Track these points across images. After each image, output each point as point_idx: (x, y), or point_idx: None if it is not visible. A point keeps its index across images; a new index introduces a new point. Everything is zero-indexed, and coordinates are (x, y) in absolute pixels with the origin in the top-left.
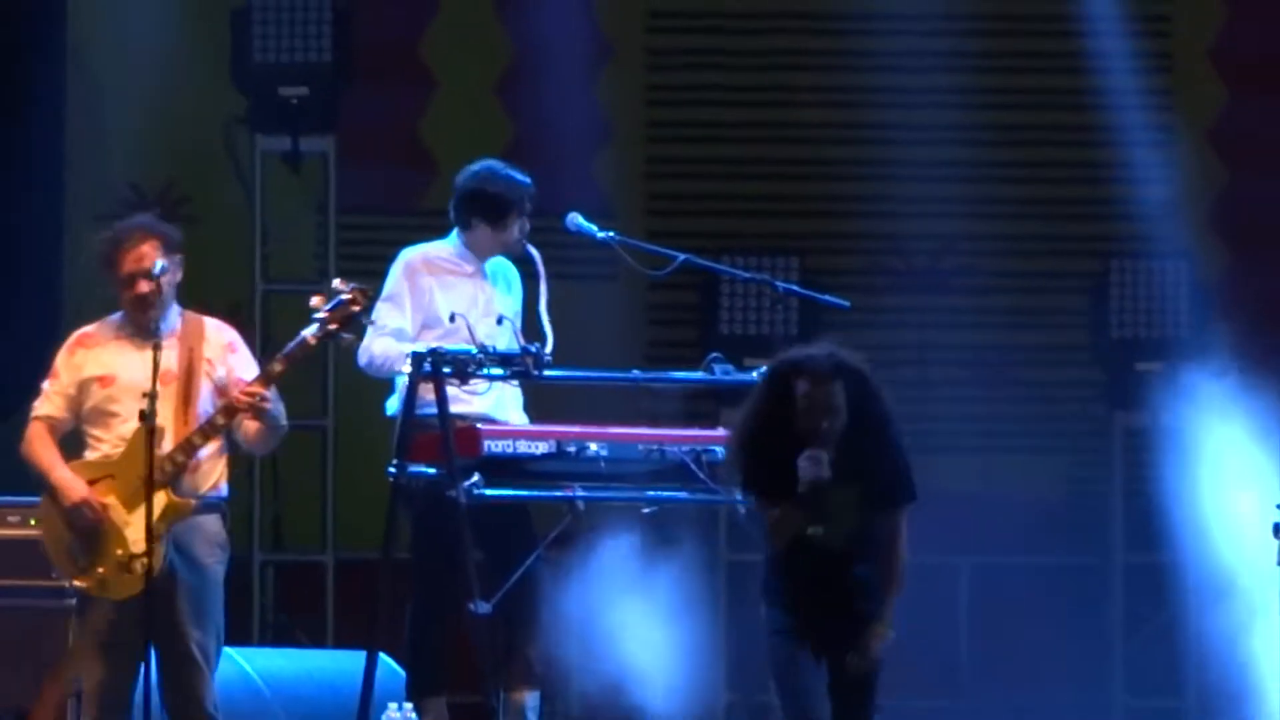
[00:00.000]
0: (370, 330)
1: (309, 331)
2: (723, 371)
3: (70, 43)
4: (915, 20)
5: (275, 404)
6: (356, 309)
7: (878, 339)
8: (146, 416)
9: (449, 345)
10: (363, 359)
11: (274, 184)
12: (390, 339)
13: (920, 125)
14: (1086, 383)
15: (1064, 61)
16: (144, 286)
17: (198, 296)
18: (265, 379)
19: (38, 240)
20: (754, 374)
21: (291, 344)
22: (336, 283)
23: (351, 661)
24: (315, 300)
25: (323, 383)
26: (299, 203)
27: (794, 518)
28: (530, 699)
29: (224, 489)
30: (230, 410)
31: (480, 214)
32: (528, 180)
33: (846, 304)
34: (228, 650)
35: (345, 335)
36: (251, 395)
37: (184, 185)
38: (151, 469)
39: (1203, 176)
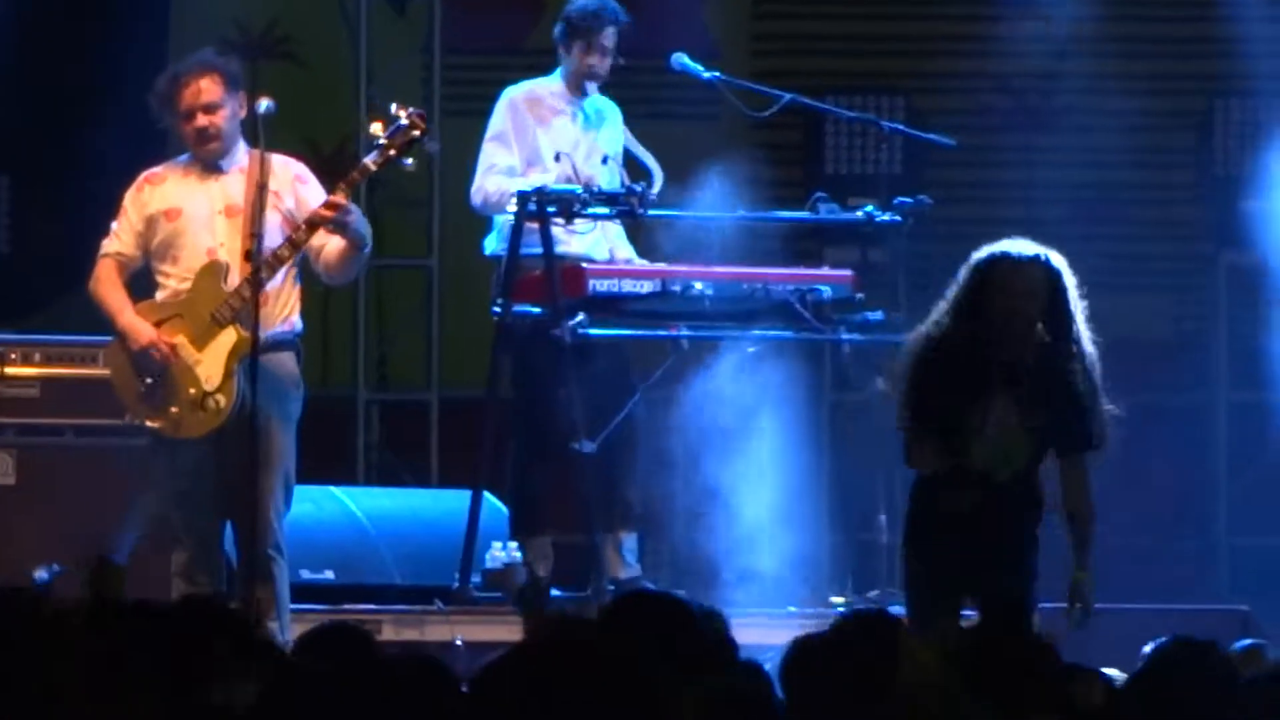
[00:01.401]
0: (480, 169)
1: (369, 157)
2: (827, 210)
3: None
4: None
5: (360, 220)
6: (417, 134)
7: (982, 177)
8: (252, 255)
9: (554, 184)
10: (476, 199)
11: (378, 24)
12: (503, 176)
13: None
14: (1192, 221)
15: None
16: (202, 120)
17: (303, 135)
18: (348, 186)
19: (143, 81)
20: (858, 212)
21: (352, 170)
22: (394, 107)
23: (456, 500)
24: (375, 127)
25: (427, 222)
26: (404, 43)
27: (941, 453)
28: (629, 540)
29: (298, 324)
30: (311, 226)
31: (561, 39)
32: (607, 10)
33: (952, 143)
34: (333, 489)
35: (406, 161)
36: (334, 207)
37: (287, 25)
38: (256, 306)
39: None
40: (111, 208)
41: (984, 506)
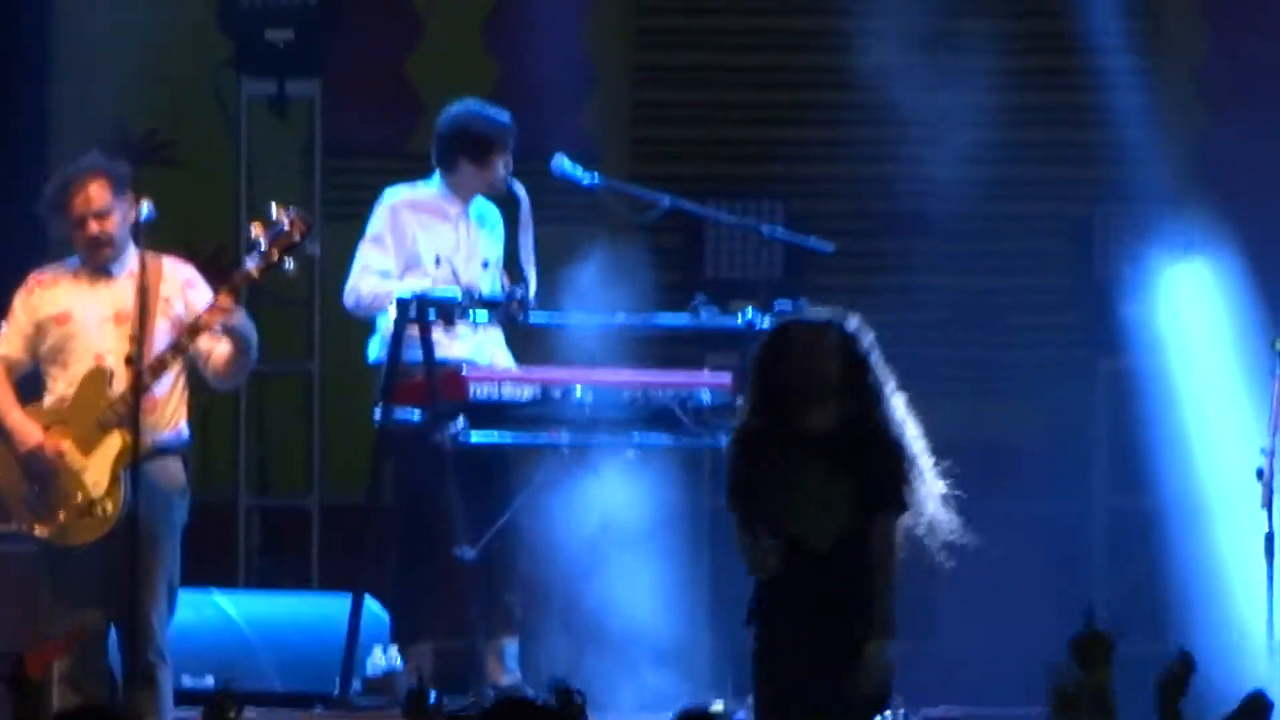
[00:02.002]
0: (355, 270)
1: (251, 264)
2: (708, 315)
3: None
4: None
5: (245, 322)
6: (298, 237)
7: (861, 282)
8: (133, 360)
9: (434, 290)
10: (349, 300)
11: (260, 127)
12: (376, 279)
13: (904, 70)
14: (1068, 326)
15: (1048, 5)
16: (94, 227)
17: (183, 239)
18: (231, 293)
19: (22, 183)
20: (738, 317)
21: (234, 276)
22: (275, 210)
23: (336, 606)
24: (255, 230)
25: (308, 326)
26: (285, 145)
27: (777, 553)
28: (510, 645)
29: (184, 431)
30: (194, 330)
31: (464, 153)
32: (508, 118)
33: (830, 248)
34: (213, 594)
35: (287, 264)
36: (220, 310)
37: (169, 129)
38: (137, 408)
39: (1186, 122)
40: None
41: (813, 576)
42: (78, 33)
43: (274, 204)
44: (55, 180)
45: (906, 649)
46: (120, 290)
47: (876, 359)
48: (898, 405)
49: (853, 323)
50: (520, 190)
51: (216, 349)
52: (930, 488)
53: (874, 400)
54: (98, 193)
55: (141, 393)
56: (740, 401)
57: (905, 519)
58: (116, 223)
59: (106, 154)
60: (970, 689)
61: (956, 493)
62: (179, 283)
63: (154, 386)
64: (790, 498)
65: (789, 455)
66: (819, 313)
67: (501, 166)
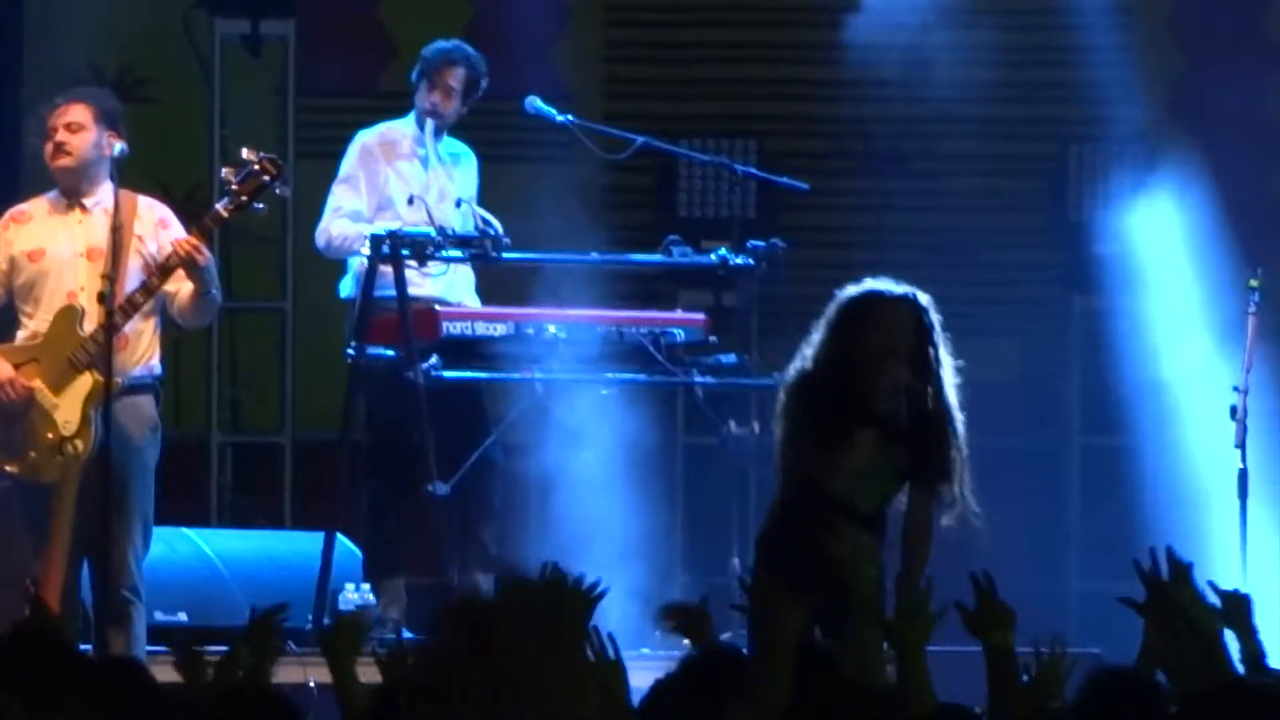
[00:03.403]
0: (327, 212)
1: (221, 204)
2: (681, 254)
3: None
4: None
5: (209, 265)
6: (267, 178)
7: (835, 221)
8: (105, 297)
9: (408, 227)
10: (320, 240)
11: (233, 67)
12: (347, 220)
13: (879, 8)
14: (1044, 265)
15: None
16: (61, 135)
17: (156, 179)
18: (200, 233)
19: None
20: (712, 255)
21: (204, 216)
22: (245, 152)
23: (309, 542)
24: (226, 172)
25: (280, 265)
26: (259, 86)
27: (864, 450)
28: (484, 583)
29: (156, 367)
30: (164, 270)
31: (421, 75)
32: (458, 52)
33: (805, 186)
34: (186, 531)
35: (257, 205)
36: (189, 245)
37: (142, 68)
38: (109, 346)
39: (1161, 61)
40: None
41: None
42: None
43: (244, 148)
44: (47, 105)
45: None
46: (94, 226)
47: (941, 338)
48: (950, 381)
49: (926, 300)
50: (430, 138)
51: (182, 289)
52: (964, 469)
53: (933, 377)
54: (77, 110)
55: (112, 332)
56: (804, 352)
57: (943, 494)
58: (87, 141)
59: (103, 90)
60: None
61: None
62: (153, 221)
63: (125, 325)
64: (842, 459)
65: (847, 417)
66: (895, 287)
67: (426, 102)
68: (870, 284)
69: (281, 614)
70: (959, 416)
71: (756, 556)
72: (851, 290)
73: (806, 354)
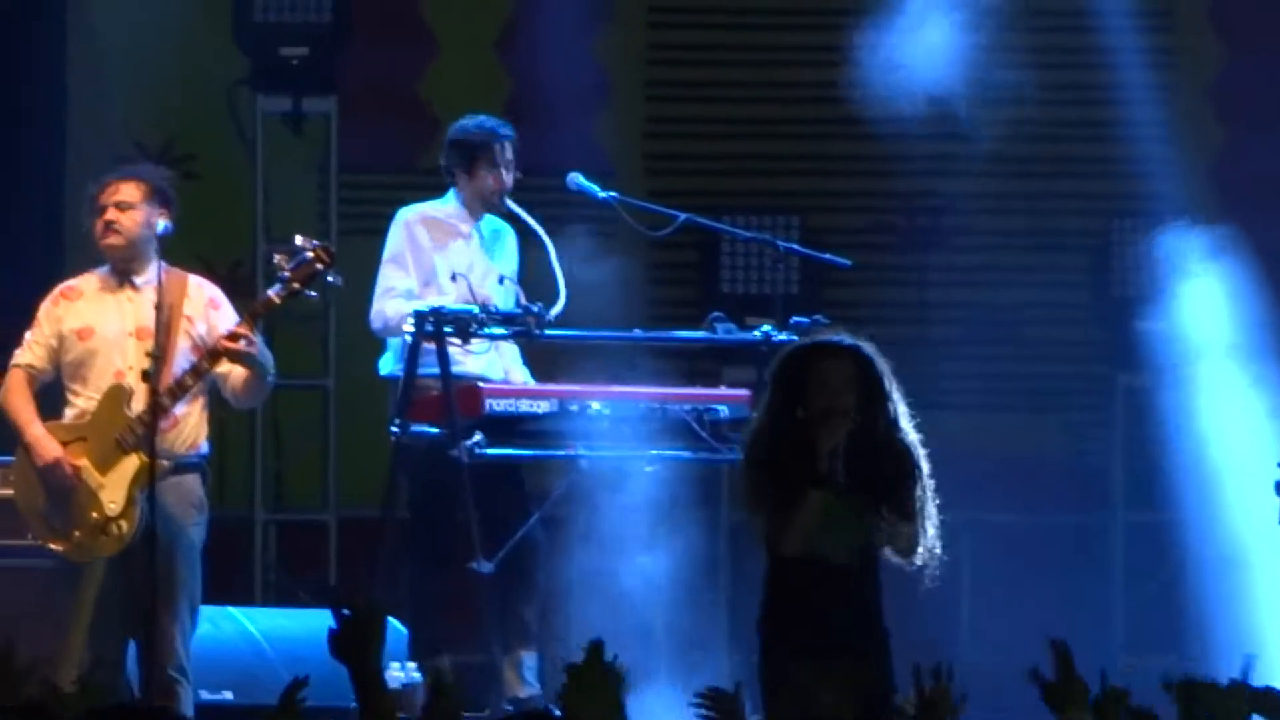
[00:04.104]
0: (378, 293)
1: (273, 290)
2: (725, 331)
3: (73, 1)
4: None
5: (262, 351)
6: (320, 267)
7: (878, 297)
8: (149, 376)
9: (450, 304)
10: (376, 322)
11: (275, 144)
12: (401, 300)
13: (921, 84)
14: (1088, 341)
15: (1065, 20)
16: (111, 214)
17: (199, 255)
18: (250, 320)
19: (39, 200)
20: (755, 332)
21: (255, 303)
22: (299, 239)
23: None
24: (278, 258)
25: (323, 341)
26: (300, 162)
27: (813, 509)
28: (528, 659)
29: (204, 447)
30: (214, 355)
31: (457, 165)
32: (503, 129)
33: (847, 263)
34: (230, 610)
35: (309, 293)
36: (236, 339)
37: (186, 144)
38: (154, 426)
39: (1202, 136)
40: (6, 319)
41: (832, 590)
42: (94, 48)
43: (298, 235)
44: (99, 179)
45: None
46: (143, 305)
47: (890, 381)
48: (905, 421)
49: (869, 347)
50: (518, 210)
51: (234, 371)
52: (929, 504)
53: (883, 419)
54: (128, 189)
55: (159, 413)
56: (753, 414)
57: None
58: (137, 220)
59: (152, 166)
60: (987, 703)
61: (941, 517)
62: (203, 302)
63: (173, 407)
64: (794, 522)
65: (797, 478)
66: (836, 336)
67: (491, 180)
68: (810, 339)
69: (301, 689)
70: (921, 456)
71: (760, 639)
72: (791, 347)
73: (758, 414)
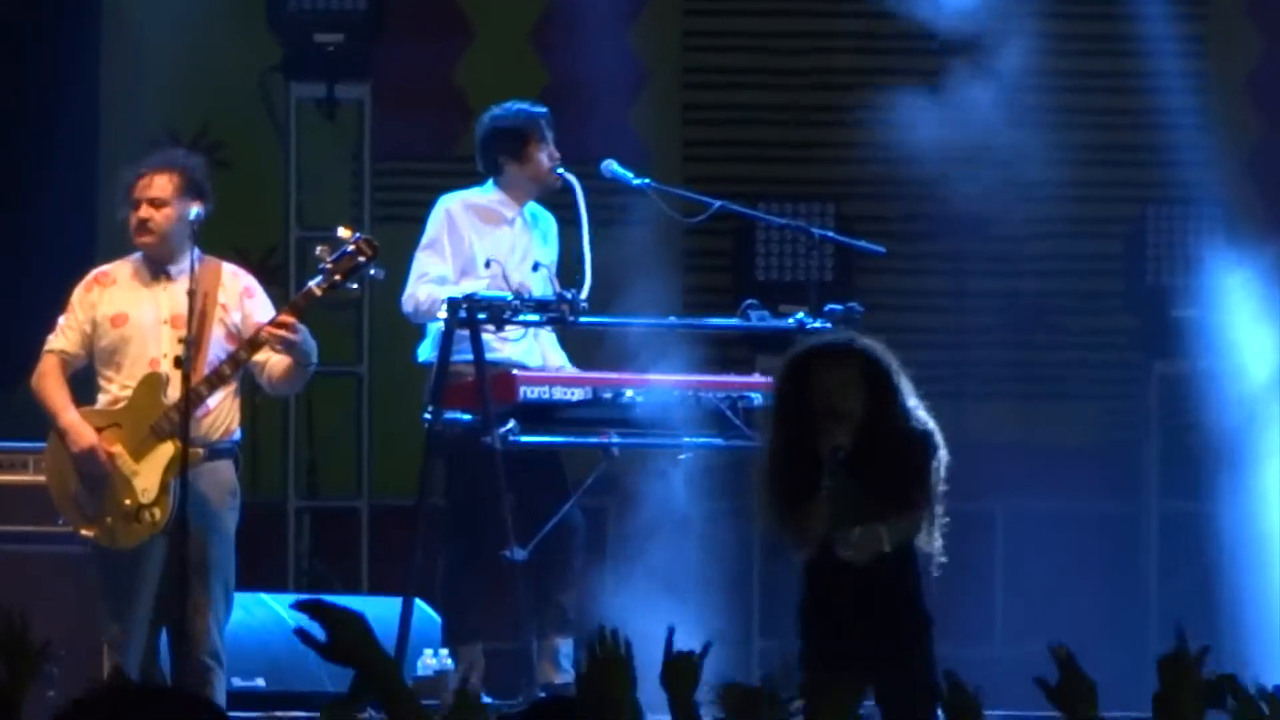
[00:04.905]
0: (412, 278)
1: (314, 282)
2: (758, 318)
3: None
4: None
5: (306, 339)
6: (362, 259)
7: (913, 285)
8: (182, 362)
9: (485, 291)
10: (407, 306)
11: (309, 131)
12: (433, 285)
13: (955, 71)
14: (1122, 330)
15: (1100, 8)
16: (145, 211)
17: (232, 242)
18: (293, 311)
19: (71, 186)
20: (789, 319)
21: (297, 294)
22: (342, 232)
23: (387, 608)
24: (320, 250)
25: (357, 329)
26: (334, 149)
27: (822, 511)
28: (564, 646)
29: (236, 434)
30: (254, 344)
31: (502, 152)
32: (539, 108)
33: (882, 250)
34: (263, 596)
35: (350, 285)
36: (284, 326)
37: (218, 131)
38: (187, 413)
39: (1238, 125)
40: (39, 305)
41: (854, 590)
42: (128, 35)
43: (340, 226)
44: (134, 167)
45: (960, 654)
46: (178, 293)
47: (897, 375)
48: (914, 413)
49: (871, 344)
50: (573, 180)
51: (273, 359)
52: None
53: (890, 413)
54: (161, 183)
55: (193, 399)
56: (767, 422)
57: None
58: (169, 216)
59: (185, 152)
60: (1022, 694)
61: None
62: (238, 291)
63: (209, 396)
64: (804, 526)
65: (803, 483)
66: (838, 337)
67: (544, 158)
68: (812, 340)
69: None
70: (928, 447)
71: (798, 626)
72: (793, 349)
73: (767, 423)
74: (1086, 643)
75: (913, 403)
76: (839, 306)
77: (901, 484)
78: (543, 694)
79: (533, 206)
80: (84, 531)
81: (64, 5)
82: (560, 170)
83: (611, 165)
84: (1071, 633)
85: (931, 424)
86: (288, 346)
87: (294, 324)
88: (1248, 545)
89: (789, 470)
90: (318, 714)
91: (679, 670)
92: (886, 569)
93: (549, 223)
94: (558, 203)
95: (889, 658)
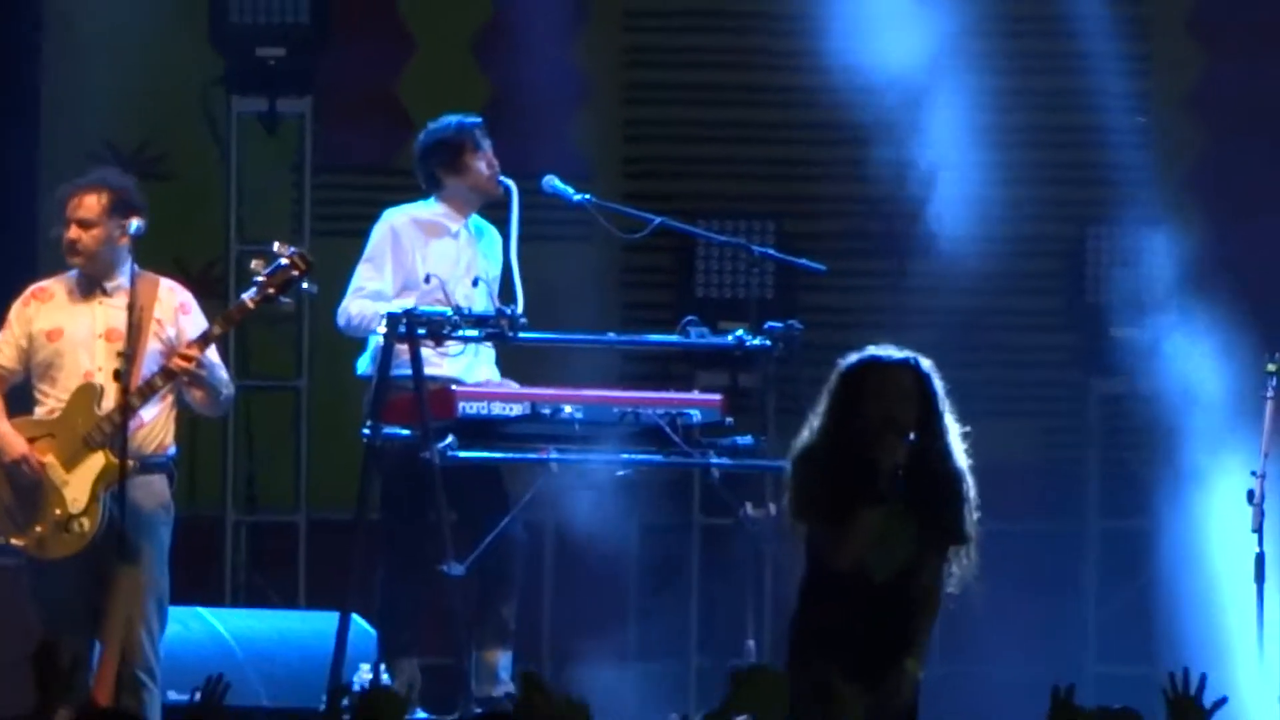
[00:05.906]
0: (349, 291)
1: (247, 295)
2: (698, 335)
3: (48, 1)
4: None
5: (214, 370)
6: (296, 274)
7: (853, 302)
8: (121, 375)
9: (424, 306)
10: (341, 319)
11: (250, 144)
12: (368, 300)
13: (897, 90)
14: (1062, 348)
15: (1042, 25)
16: (74, 232)
17: (172, 255)
18: (203, 342)
19: (12, 199)
20: (729, 336)
21: (231, 307)
22: (276, 246)
23: (324, 622)
24: (255, 263)
25: (296, 343)
26: (274, 162)
27: (871, 528)
28: (503, 659)
29: (171, 449)
30: (168, 374)
31: (440, 165)
32: (472, 119)
33: (823, 268)
34: (200, 610)
35: (284, 300)
36: (186, 360)
37: (160, 144)
38: (125, 427)
39: (1180, 143)
40: None
41: (866, 606)
42: (69, 47)
43: (275, 241)
44: (66, 186)
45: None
46: (113, 308)
47: (945, 400)
48: (958, 443)
49: (926, 363)
50: (512, 185)
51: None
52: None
53: (940, 438)
54: (90, 203)
55: (128, 413)
56: (810, 422)
57: (955, 558)
58: (97, 236)
59: (118, 172)
60: (960, 713)
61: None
62: (173, 306)
63: (141, 408)
64: (846, 540)
65: (850, 495)
66: (896, 352)
67: (483, 166)
68: (871, 351)
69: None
70: (969, 481)
71: (790, 641)
72: (852, 358)
73: (813, 424)
74: (1023, 660)
75: (955, 433)
76: (779, 324)
77: (955, 521)
78: (478, 710)
79: (476, 220)
80: (14, 541)
81: (3, 18)
82: (501, 178)
83: (552, 181)
84: (1008, 653)
85: (966, 463)
86: (193, 380)
87: (197, 358)
88: (1187, 563)
89: (840, 475)
90: None
91: None
92: (895, 592)
93: (493, 236)
94: (493, 217)
95: (884, 679)
